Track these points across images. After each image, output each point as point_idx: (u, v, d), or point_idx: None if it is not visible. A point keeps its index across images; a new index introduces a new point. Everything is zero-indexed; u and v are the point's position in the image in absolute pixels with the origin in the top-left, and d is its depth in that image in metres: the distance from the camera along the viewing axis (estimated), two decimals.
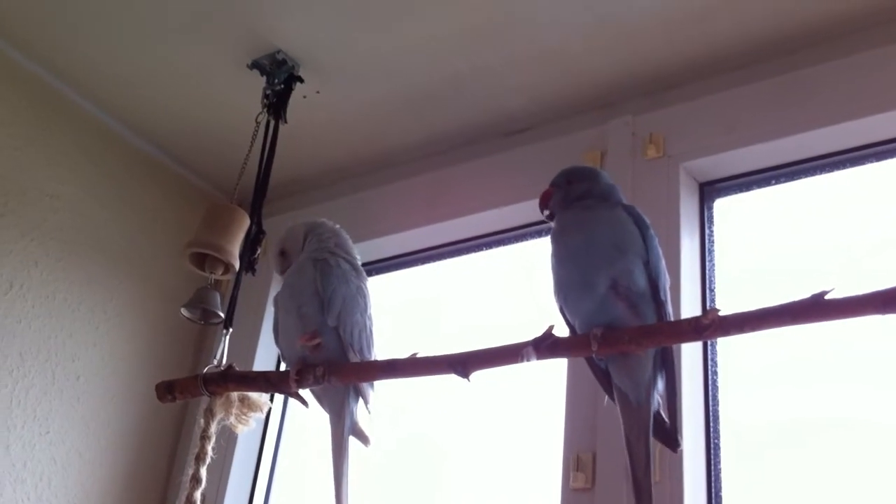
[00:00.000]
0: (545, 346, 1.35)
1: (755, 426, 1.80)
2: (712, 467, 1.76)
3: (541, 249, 2.17)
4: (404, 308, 2.46)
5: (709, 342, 1.86)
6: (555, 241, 1.44)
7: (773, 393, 1.80)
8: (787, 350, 1.78)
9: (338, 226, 1.77)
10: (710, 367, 1.84)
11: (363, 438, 1.67)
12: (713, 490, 1.74)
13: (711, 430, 1.80)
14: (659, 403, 1.40)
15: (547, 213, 1.52)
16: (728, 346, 1.86)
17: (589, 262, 1.37)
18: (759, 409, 1.80)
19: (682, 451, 1.65)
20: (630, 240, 1.39)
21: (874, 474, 1.63)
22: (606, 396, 1.46)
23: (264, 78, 2.17)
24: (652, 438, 1.38)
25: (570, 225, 1.44)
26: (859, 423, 1.68)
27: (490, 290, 2.32)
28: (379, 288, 2.45)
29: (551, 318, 1.40)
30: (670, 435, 1.42)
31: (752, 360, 1.83)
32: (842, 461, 1.67)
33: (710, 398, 1.82)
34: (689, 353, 1.81)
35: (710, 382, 1.84)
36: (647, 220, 1.44)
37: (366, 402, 1.65)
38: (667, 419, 1.41)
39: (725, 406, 1.82)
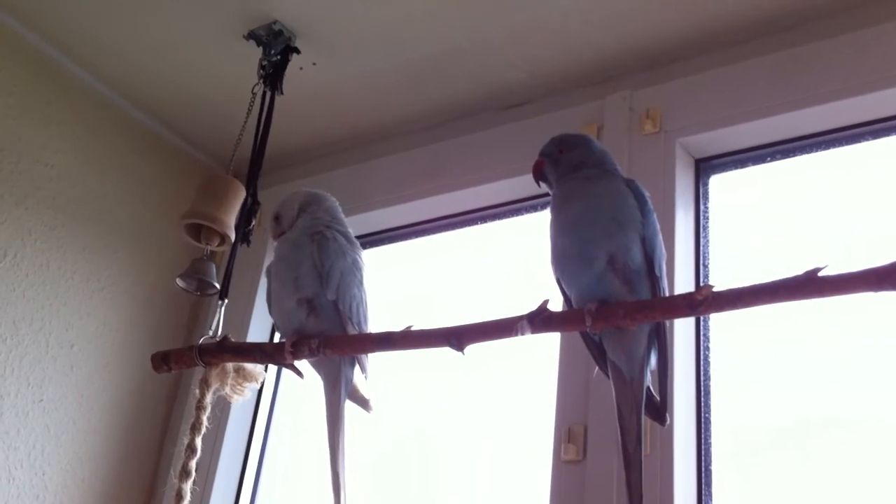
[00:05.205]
0: (539, 319, 1.35)
1: (747, 406, 1.81)
2: (702, 441, 1.78)
3: (537, 223, 2.18)
4: (399, 281, 2.46)
5: (702, 319, 1.87)
6: (555, 212, 1.44)
7: (766, 372, 1.81)
8: (779, 331, 1.79)
9: (335, 201, 1.77)
10: (702, 343, 1.85)
11: (363, 403, 1.68)
12: (703, 464, 1.76)
13: (702, 405, 1.81)
14: (649, 378, 1.41)
15: (544, 184, 1.52)
16: (721, 327, 1.87)
17: (588, 235, 1.37)
18: (752, 388, 1.81)
19: (673, 425, 1.67)
20: (629, 214, 1.39)
21: (867, 449, 1.65)
22: (596, 368, 1.47)
23: (261, 49, 2.16)
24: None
25: (571, 196, 1.43)
26: (854, 409, 1.69)
27: (487, 263, 2.32)
28: (374, 261, 2.45)
29: (546, 293, 1.40)
30: (659, 410, 1.43)
31: (745, 341, 1.84)
32: (833, 447, 1.69)
33: (702, 374, 1.83)
34: (682, 329, 1.82)
35: (701, 359, 1.84)
36: (647, 195, 1.44)
37: (363, 370, 1.66)
38: (656, 394, 1.42)
39: (717, 382, 1.83)
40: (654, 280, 1.39)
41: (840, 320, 1.71)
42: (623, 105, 2.08)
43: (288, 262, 1.64)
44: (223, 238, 2.01)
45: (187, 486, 1.60)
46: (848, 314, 1.69)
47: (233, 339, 1.67)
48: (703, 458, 1.77)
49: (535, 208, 2.21)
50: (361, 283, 1.68)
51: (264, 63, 2.15)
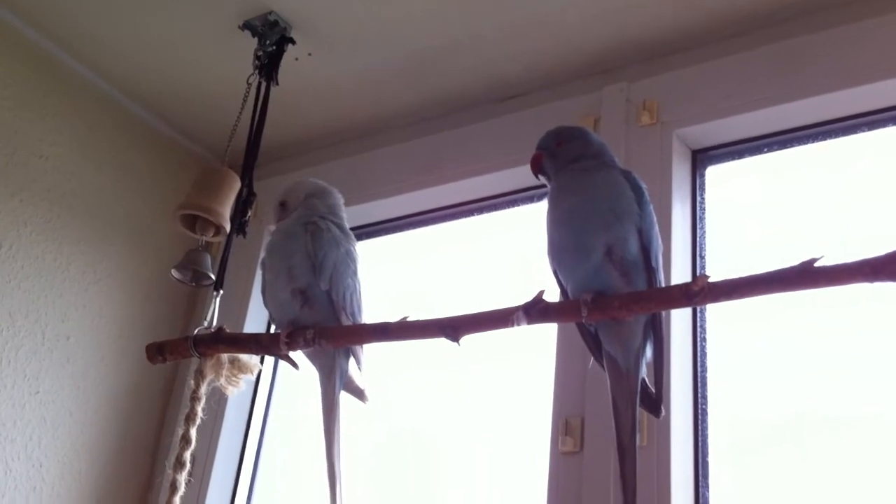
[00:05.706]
0: (535, 310, 1.35)
1: (744, 398, 1.81)
2: (699, 433, 1.78)
3: (534, 214, 2.17)
4: (396, 272, 2.46)
5: (698, 311, 1.87)
6: (551, 203, 1.43)
7: (763, 365, 1.81)
8: (776, 324, 1.79)
9: (340, 196, 1.77)
10: (698, 335, 1.85)
11: (359, 395, 1.68)
12: (700, 455, 1.76)
13: (699, 396, 1.81)
14: (645, 370, 1.41)
15: (543, 177, 1.51)
16: (718, 320, 1.87)
17: (585, 227, 1.36)
18: (750, 381, 1.81)
19: (670, 417, 1.67)
20: (626, 205, 1.38)
21: (864, 444, 1.65)
22: (592, 359, 1.46)
23: (256, 39, 2.15)
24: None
25: (568, 187, 1.43)
26: (852, 403, 1.70)
27: (484, 254, 2.32)
28: (370, 252, 2.45)
29: (542, 283, 1.40)
30: (655, 402, 1.42)
31: (742, 333, 1.84)
32: (830, 441, 1.69)
33: (699, 366, 1.83)
34: (679, 321, 1.82)
35: (698, 350, 1.84)
36: (644, 186, 1.44)
37: (357, 362, 1.66)
38: (652, 386, 1.42)
39: (714, 374, 1.83)
40: (650, 271, 1.38)
41: (838, 314, 1.71)
42: (620, 97, 2.08)
43: (282, 253, 1.64)
44: (218, 229, 2.01)
45: (181, 477, 1.60)
46: (846, 308, 1.69)
47: (228, 330, 1.67)
48: (700, 449, 1.77)
49: (531, 199, 2.21)
50: (355, 273, 1.67)
51: (259, 53, 2.14)
